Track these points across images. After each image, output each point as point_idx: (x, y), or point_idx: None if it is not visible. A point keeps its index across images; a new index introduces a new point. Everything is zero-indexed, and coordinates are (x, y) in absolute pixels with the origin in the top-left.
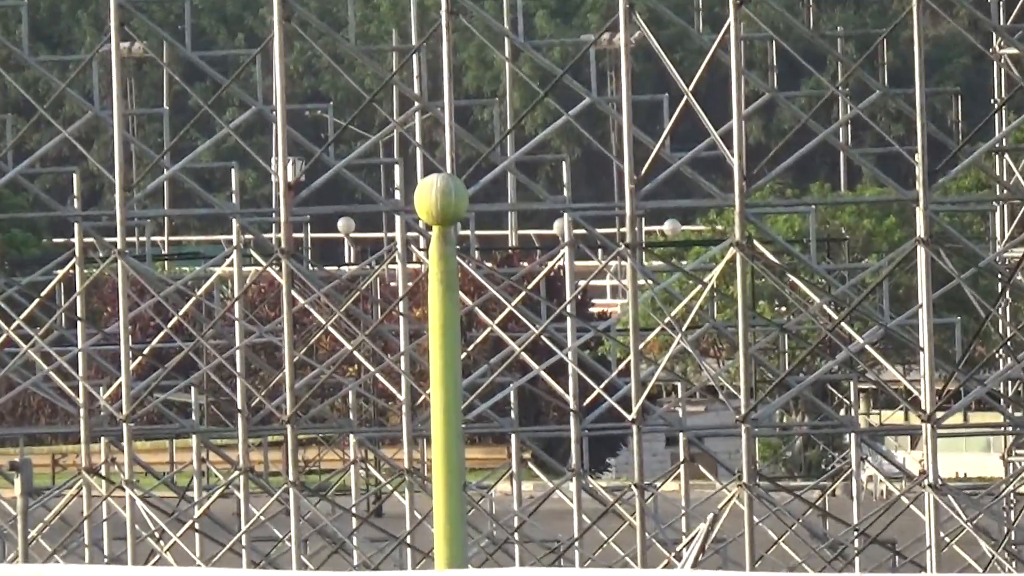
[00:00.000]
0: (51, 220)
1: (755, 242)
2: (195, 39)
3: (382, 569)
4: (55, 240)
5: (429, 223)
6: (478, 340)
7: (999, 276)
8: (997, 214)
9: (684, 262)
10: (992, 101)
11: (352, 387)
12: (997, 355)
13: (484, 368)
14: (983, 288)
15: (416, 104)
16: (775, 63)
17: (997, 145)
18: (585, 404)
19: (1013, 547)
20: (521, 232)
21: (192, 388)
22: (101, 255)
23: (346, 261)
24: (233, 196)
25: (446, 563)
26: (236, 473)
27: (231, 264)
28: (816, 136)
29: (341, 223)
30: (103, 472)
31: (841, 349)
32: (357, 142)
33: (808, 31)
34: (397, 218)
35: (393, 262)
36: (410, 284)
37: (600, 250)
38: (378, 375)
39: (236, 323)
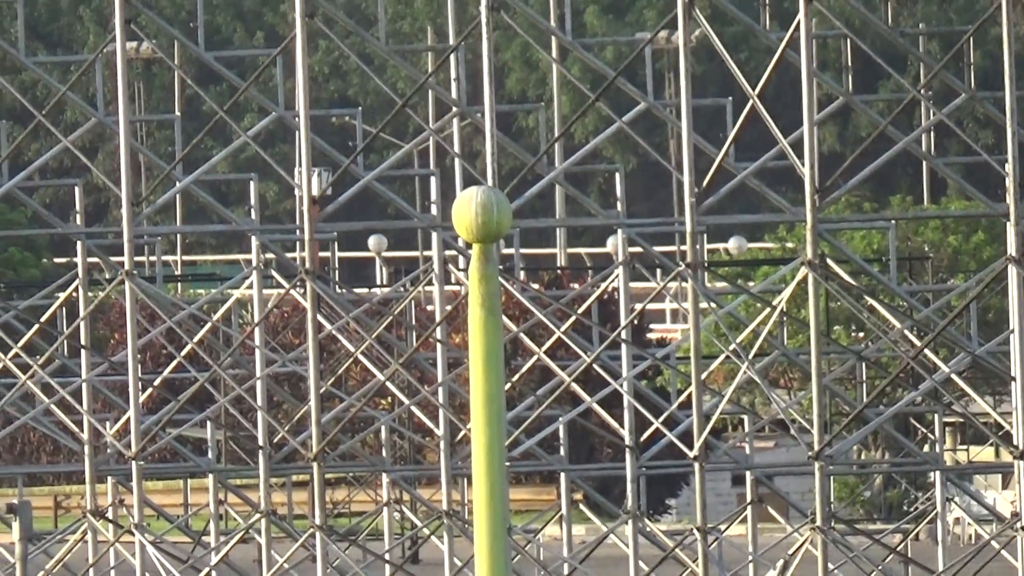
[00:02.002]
0: (51, 238)
1: (829, 261)
2: (209, 38)
3: None
4: (56, 260)
5: (469, 240)
6: (524, 369)
7: None
8: None
9: (751, 283)
10: None
11: (385, 421)
12: None
13: (531, 400)
14: None
15: (454, 109)
16: (850, 64)
17: None
18: (642, 440)
19: None
20: (571, 250)
21: (208, 423)
22: (107, 276)
23: (378, 282)
24: (252, 211)
25: None
26: (257, 516)
27: (250, 286)
28: (896, 144)
29: (372, 241)
30: (110, 515)
31: (924, 379)
32: (389, 151)
33: (886, 28)
34: (434, 235)
35: (429, 284)
36: (448, 308)
37: (658, 270)
38: (414, 408)
39: (256, 351)
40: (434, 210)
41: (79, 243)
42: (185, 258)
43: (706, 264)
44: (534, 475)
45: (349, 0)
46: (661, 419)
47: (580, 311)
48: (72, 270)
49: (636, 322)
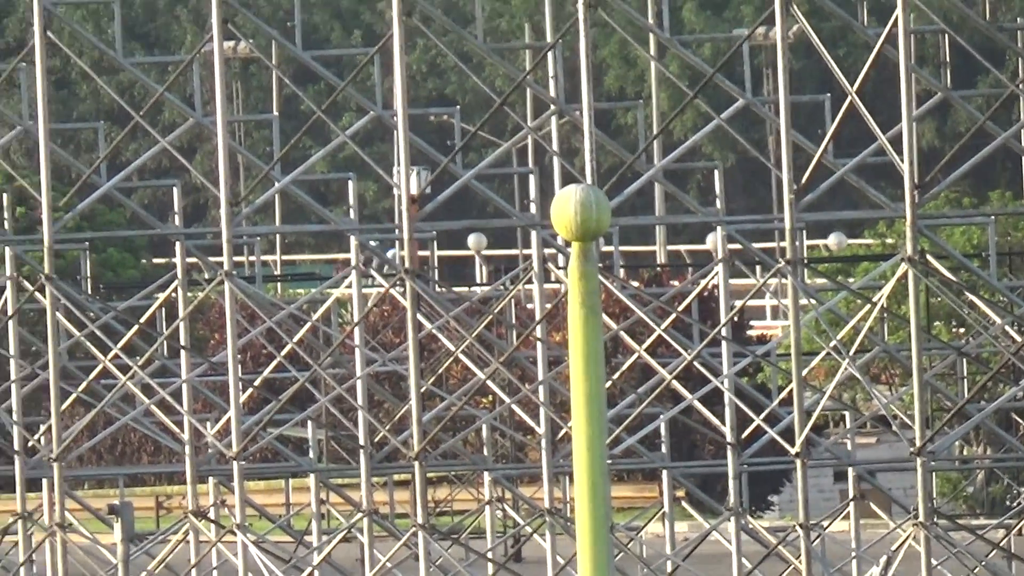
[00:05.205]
0: (150, 239)
1: (929, 257)
2: (307, 37)
3: None
4: (155, 260)
5: (568, 239)
6: (624, 367)
7: None
8: None
9: (851, 279)
10: None
11: (486, 420)
12: None
13: (631, 398)
14: None
15: (552, 107)
16: (948, 59)
17: None
18: (744, 436)
19: None
20: (670, 248)
21: (309, 422)
22: (206, 277)
23: (477, 281)
24: (351, 211)
25: None
26: (359, 515)
27: (350, 285)
28: (995, 139)
29: (471, 239)
30: (212, 515)
31: None
32: (487, 150)
33: (984, 23)
34: (533, 234)
35: (529, 282)
36: (548, 306)
37: (758, 267)
38: (514, 406)
39: (356, 350)
40: (533, 208)
41: (178, 244)
42: (284, 258)
43: (806, 260)
44: (636, 472)
45: None
46: (762, 416)
47: (680, 308)
48: (171, 271)
49: (736, 319)
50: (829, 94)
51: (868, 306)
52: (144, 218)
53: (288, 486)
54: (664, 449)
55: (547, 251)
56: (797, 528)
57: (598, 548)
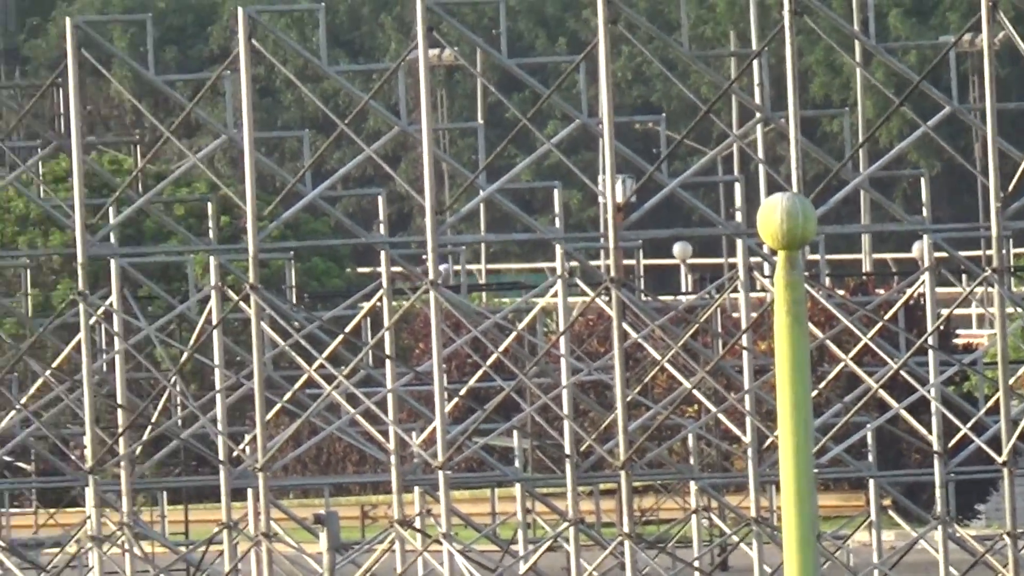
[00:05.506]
0: (355, 247)
1: None
2: (511, 44)
3: None
4: (359, 269)
5: (774, 247)
6: (830, 376)
7: None
8: None
9: None
10: None
11: (692, 429)
12: None
13: (838, 407)
14: None
15: (758, 115)
16: None
17: None
18: (951, 445)
19: None
20: (876, 256)
21: (515, 431)
22: (411, 286)
23: (683, 290)
24: (556, 219)
25: None
26: (565, 524)
27: (555, 295)
28: None
29: (677, 248)
30: (417, 524)
31: None
32: (693, 158)
33: None
34: (739, 242)
35: (735, 291)
36: (754, 315)
37: (964, 275)
38: (720, 415)
39: (562, 359)
40: (738, 217)
41: (383, 252)
42: (489, 267)
43: (1012, 269)
44: (842, 481)
45: (651, 5)
46: (969, 424)
47: (887, 317)
48: (376, 280)
49: (943, 328)
50: None
51: None
52: (349, 227)
53: (494, 495)
54: (871, 458)
55: (753, 259)
56: (1004, 537)
57: (805, 557)
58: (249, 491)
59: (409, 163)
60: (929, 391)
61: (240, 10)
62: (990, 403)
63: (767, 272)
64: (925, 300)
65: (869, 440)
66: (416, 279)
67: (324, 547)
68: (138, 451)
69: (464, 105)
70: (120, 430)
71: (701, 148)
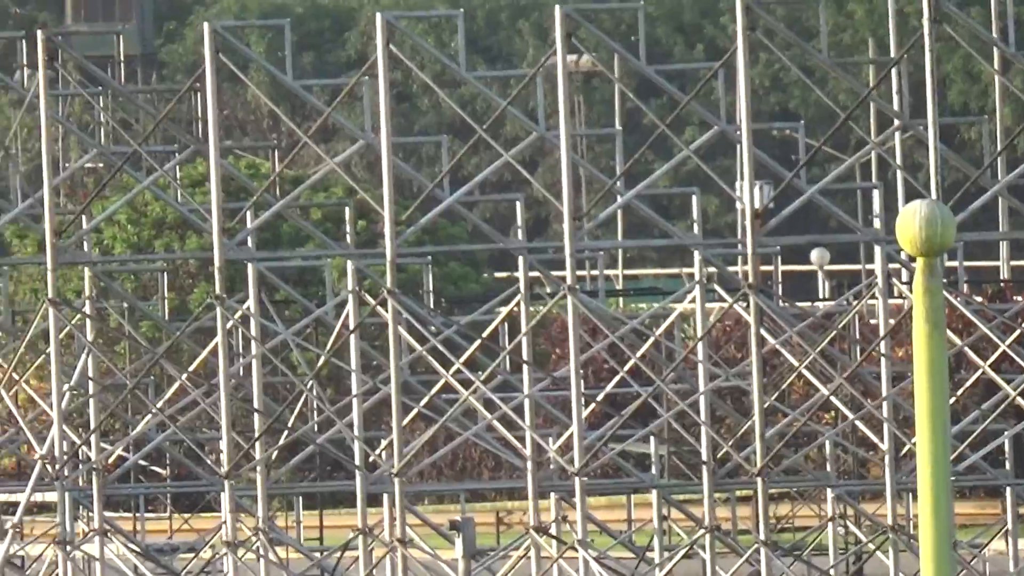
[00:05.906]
0: (492, 253)
1: None
2: (650, 50)
3: None
4: (497, 275)
5: (912, 254)
6: (968, 383)
7: None
8: None
9: None
10: None
11: (829, 436)
12: None
13: (975, 414)
14: None
15: (896, 122)
16: None
17: None
18: None
19: None
20: (1014, 263)
21: (651, 438)
22: (548, 291)
23: (820, 296)
24: (694, 225)
25: None
26: (701, 531)
27: (693, 300)
28: None
29: (814, 254)
30: (553, 531)
31: None
32: (831, 164)
33: None
34: (877, 249)
35: (873, 297)
36: (892, 322)
37: None
38: (858, 422)
39: (699, 365)
40: (877, 223)
41: (521, 258)
42: (627, 272)
43: None
44: (979, 489)
45: (789, 13)
46: None
47: None
48: (513, 285)
49: None
50: None
51: None
52: (486, 232)
53: (630, 502)
54: (1008, 466)
55: (891, 266)
56: None
57: (941, 565)
58: (385, 496)
59: (546, 169)
60: None
61: (379, 16)
62: None
63: (905, 279)
64: None
65: (1006, 448)
66: (553, 284)
67: (459, 553)
68: (274, 456)
69: (601, 111)
70: (256, 435)
71: (839, 155)
